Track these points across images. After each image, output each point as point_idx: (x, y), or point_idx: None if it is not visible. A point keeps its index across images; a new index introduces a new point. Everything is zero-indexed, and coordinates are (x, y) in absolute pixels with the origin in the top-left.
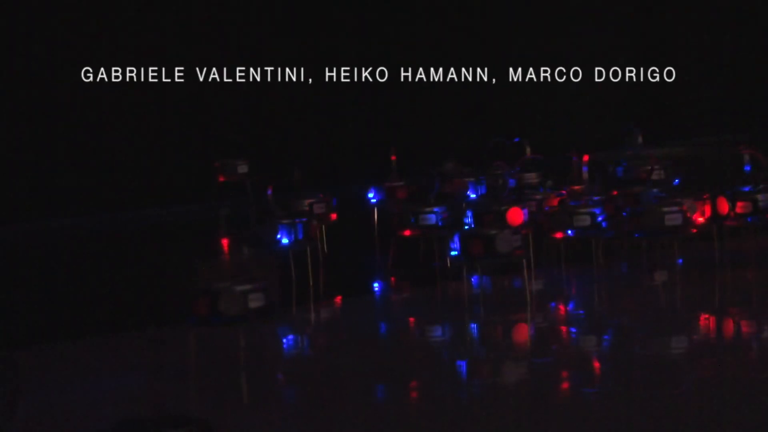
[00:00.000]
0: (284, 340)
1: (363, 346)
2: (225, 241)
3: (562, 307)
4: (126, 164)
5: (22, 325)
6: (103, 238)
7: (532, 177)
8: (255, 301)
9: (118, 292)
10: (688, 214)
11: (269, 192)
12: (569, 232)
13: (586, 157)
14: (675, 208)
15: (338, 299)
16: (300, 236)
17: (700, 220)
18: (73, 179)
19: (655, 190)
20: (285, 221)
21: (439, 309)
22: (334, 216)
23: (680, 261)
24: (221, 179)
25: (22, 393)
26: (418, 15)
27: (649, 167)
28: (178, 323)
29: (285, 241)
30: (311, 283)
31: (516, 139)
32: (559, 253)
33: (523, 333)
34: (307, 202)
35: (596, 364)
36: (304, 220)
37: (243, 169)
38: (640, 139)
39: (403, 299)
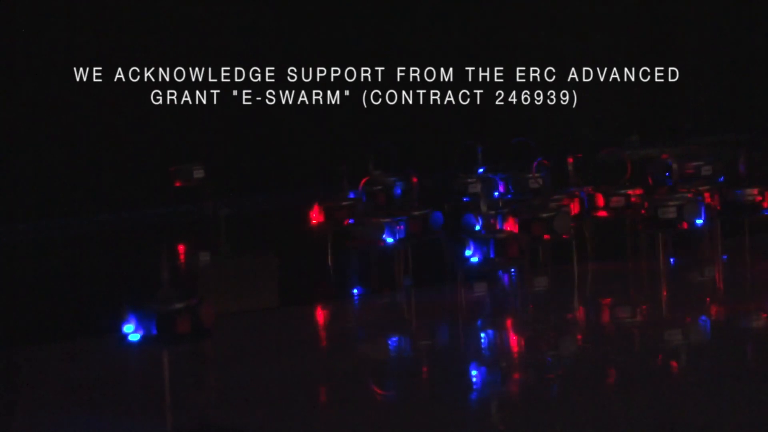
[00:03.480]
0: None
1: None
2: (181, 247)
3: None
4: (119, 164)
5: (22, 325)
6: (102, 239)
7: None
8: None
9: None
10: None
11: (361, 189)
12: None
13: (570, 159)
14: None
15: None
16: (402, 234)
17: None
18: (71, 179)
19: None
20: (388, 220)
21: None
22: None
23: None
24: (177, 184)
25: (22, 394)
26: (418, 14)
27: (694, 163)
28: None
29: (390, 240)
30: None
31: (514, 140)
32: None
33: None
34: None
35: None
36: (406, 218)
37: (199, 173)
38: (638, 140)
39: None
